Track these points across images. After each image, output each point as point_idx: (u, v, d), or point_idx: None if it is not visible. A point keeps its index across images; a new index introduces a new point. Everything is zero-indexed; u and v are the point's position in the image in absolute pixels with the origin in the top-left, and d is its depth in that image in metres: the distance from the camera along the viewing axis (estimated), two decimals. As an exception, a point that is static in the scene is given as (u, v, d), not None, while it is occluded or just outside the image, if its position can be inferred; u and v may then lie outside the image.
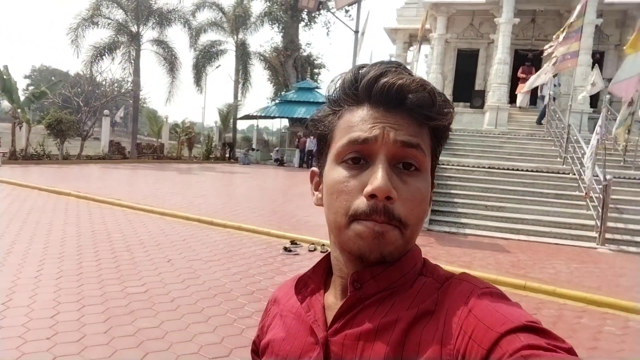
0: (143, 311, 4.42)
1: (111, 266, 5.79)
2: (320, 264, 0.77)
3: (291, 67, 30.83)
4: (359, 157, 0.67)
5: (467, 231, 8.77)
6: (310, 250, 6.98)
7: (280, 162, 26.50)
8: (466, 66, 19.78)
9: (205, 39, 27.84)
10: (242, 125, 56.12)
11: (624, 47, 17.07)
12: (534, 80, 14.97)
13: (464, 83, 19.69)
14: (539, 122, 15.64)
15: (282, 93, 29.07)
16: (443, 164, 10.49)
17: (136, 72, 23.93)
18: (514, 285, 5.86)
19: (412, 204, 0.65)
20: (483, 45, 19.57)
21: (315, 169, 0.77)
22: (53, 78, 45.00)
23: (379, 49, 78.29)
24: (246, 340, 3.93)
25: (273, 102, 28.96)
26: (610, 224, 8.42)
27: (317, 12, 21.34)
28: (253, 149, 27.47)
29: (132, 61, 23.69)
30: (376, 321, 0.64)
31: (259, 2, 30.44)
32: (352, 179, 0.66)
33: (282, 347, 0.73)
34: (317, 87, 27.81)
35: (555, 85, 16.04)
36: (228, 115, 27.17)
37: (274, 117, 28.53)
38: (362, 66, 0.70)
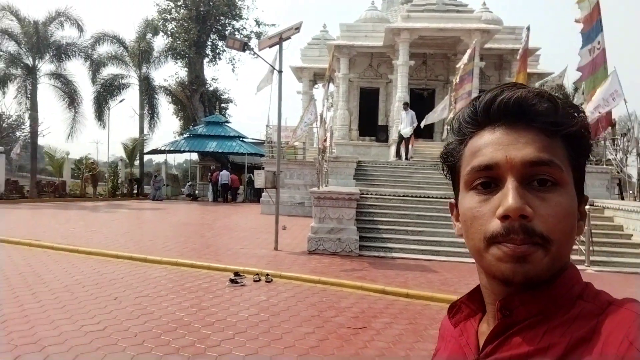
0: (109, 347, 4.39)
1: (56, 306, 5.56)
2: (476, 289, 0.75)
3: (198, 101, 30.77)
4: (488, 182, 0.65)
5: (395, 255, 9.48)
6: (255, 281, 7.13)
7: (193, 197, 25.94)
8: (368, 103, 21.27)
9: (106, 72, 27.03)
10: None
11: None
12: (432, 116, 16.66)
13: (368, 119, 21.11)
14: None
15: (191, 127, 28.83)
16: (363, 194, 11.25)
17: (33, 106, 22.55)
18: (449, 301, 6.56)
19: (555, 218, 0.61)
20: (382, 84, 21.24)
21: (452, 200, 0.76)
22: None
23: (287, 85, 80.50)
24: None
25: (182, 137, 28.54)
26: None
27: (247, 52, 22.11)
28: (156, 175, 25.73)
29: (29, 95, 22.33)
30: (528, 347, 0.61)
31: (162, 38, 30.05)
32: (484, 204, 0.64)
33: None
34: (226, 122, 27.95)
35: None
36: (134, 150, 26.24)
37: (183, 152, 28.07)
38: (480, 96, 0.69)
